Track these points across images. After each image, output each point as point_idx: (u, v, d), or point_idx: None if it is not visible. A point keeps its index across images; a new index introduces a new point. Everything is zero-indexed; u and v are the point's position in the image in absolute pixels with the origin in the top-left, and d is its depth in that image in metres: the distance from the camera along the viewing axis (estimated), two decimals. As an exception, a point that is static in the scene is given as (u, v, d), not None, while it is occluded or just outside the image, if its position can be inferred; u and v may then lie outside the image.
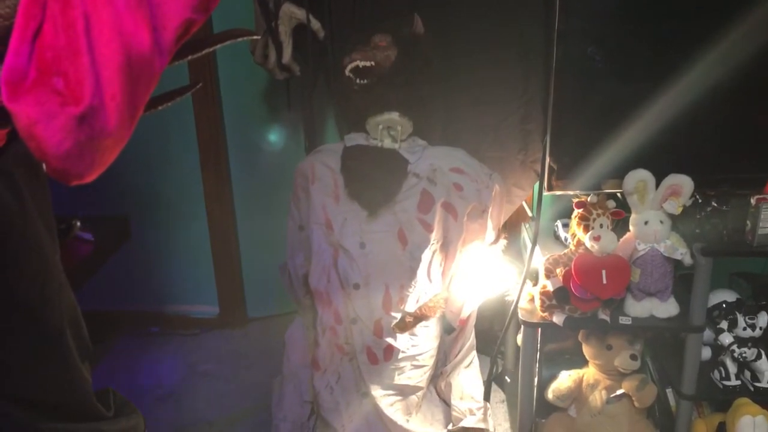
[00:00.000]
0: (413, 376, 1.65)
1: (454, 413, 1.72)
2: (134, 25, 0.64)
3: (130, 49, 0.64)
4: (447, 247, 1.64)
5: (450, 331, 1.72)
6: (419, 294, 1.61)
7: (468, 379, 1.76)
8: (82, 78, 0.62)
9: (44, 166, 0.67)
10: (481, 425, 1.70)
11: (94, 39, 0.62)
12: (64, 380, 1.19)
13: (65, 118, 0.62)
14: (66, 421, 1.21)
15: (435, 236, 1.59)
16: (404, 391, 1.65)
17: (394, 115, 1.56)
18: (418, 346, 1.63)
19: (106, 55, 0.63)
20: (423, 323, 1.63)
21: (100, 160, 0.67)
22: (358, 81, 1.56)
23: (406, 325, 1.60)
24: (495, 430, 1.78)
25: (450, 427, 1.72)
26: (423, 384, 1.67)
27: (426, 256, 1.58)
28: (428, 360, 1.66)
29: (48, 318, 1.13)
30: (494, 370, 1.89)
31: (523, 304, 1.65)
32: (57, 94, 0.62)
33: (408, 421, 1.65)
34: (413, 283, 1.59)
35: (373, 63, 1.55)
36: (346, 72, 1.57)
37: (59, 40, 0.62)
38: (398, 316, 1.60)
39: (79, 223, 1.78)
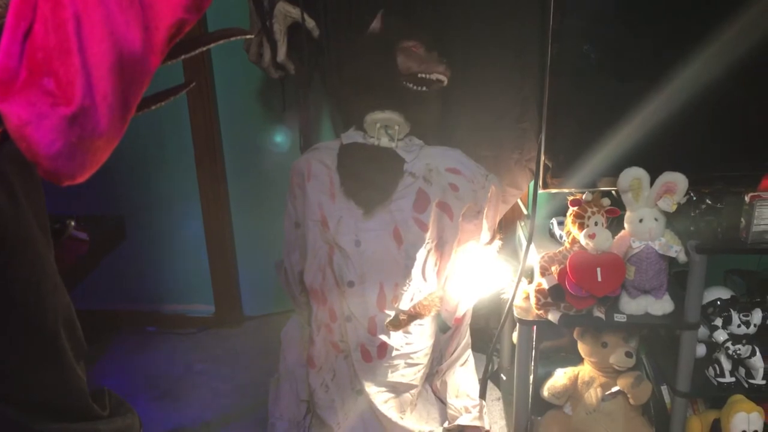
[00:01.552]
0: (407, 374, 1.65)
1: (449, 411, 1.73)
2: (126, 25, 0.64)
3: (122, 49, 0.64)
4: (442, 246, 1.64)
5: (444, 330, 1.72)
6: (414, 292, 1.61)
7: (463, 377, 1.77)
8: (73, 78, 0.62)
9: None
10: (477, 423, 1.70)
11: (85, 39, 0.62)
12: (59, 380, 1.19)
13: (56, 119, 0.62)
14: (61, 421, 1.21)
15: (430, 235, 1.59)
16: (397, 389, 1.66)
17: (394, 114, 1.57)
18: (412, 344, 1.64)
19: (98, 55, 0.62)
20: (418, 322, 1.63)
21: (91, 160, 0.67)
22: (417, 88, 1.57)
23: (400, 322, 1.60)
24: (491, 427, 1.78)
25: (446, 425, 1.72)
26: (417, 382, 1.68)
27: (421, 255, 1.59)
28: (422, 358, 1.67)
29: (43, 318, 1.13)
30: (490, 368, 1.89)
31: (519, 301, 1.65)
32: (48, 95, 0.62)
33: (402, 418, 1.65)
34: (408, 281, 1.59)
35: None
36: (429, 77, 1.57)
37: (50, 41, 0.61)
38: (392, 314, 1.60)
39: (73, 223, 1.77)
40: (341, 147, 1.63)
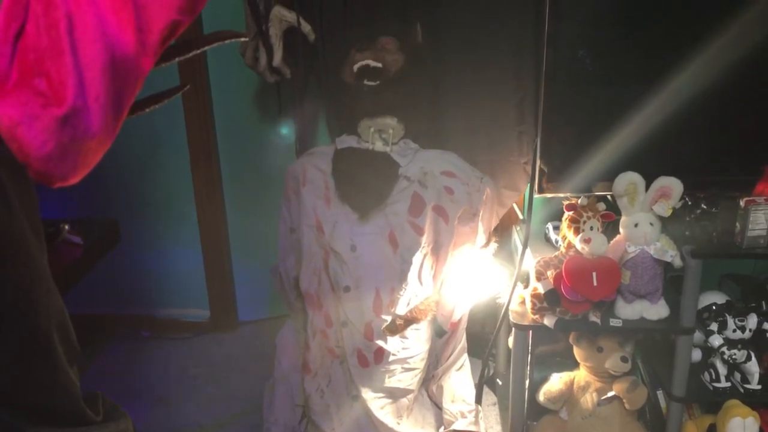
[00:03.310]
0: (403, 379, 1.64)
1: (445, 416, 1.72)
2: (118, 26, 0.63)
3: (114, 50, 0.63)
4: (438, 250, 1.64)
5: (441, 335, 1.72)
6: (410, 297, 1.61)
7: (459, 382, 1.76)
8: (65, 79, 0.61)
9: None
10: (473, 428, 1.69)
11: (78, 39, 0.61)
12: (51, 384, 1.18)
13: (48, 120, 0.62)
14: (54, 425, 1.20)
15: (426, 239, 1.59)
16: (394, 394, 1.65)
17: (388, 119, 1.56)
18: (408, 349, 1.63)
19: (90, 56, 0.62)
20: (414, 326, 1.63)
21: (83, 162, 0.66)
22: (366, 82, 1.55)
23: (397, 327, 1.60)
24: (486, 432, 1.78)
25: (442, 430, 1.71)
26: (413, 387, 1.67)
27: (417, 259, 1.58)
28: (419, 363, 1.66)
29: (35, 322, 1.12)
30: (486, 373, 1.89)
31: (514, 306, 1.65)
32: (39, 95, 0.61)
33: (399, 423, 1.65)
34: (404, 286, 1.59)
35: (382, 65, 1.55)
36: (354, 69, 1.56)
37: (42, 41, 0.61)
38: (389, 318, 1.59)
39: (67, 227, 1.76)
40: (336, 151, 1.63)
